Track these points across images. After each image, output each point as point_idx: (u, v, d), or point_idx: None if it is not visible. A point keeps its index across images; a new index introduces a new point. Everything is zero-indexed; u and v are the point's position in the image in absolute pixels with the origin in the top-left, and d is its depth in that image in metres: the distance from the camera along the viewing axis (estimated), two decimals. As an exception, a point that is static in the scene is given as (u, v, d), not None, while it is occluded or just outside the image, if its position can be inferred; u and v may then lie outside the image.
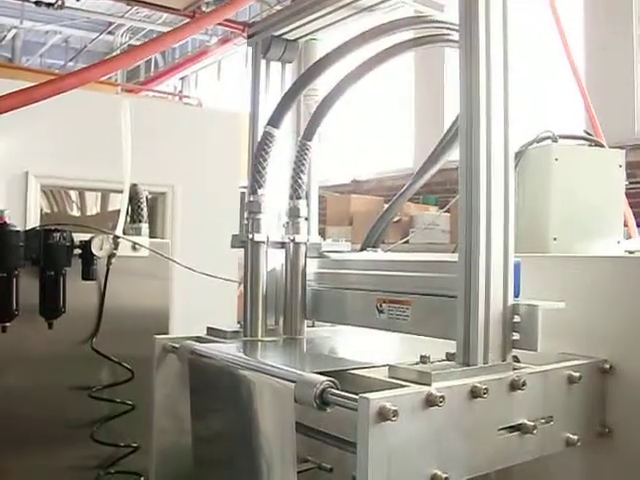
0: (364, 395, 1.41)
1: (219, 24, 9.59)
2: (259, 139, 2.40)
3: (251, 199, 2.35)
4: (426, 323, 1.96)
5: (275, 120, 2.39)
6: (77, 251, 2.85)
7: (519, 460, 1.70)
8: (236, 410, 1.92)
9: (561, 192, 2.33)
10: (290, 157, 2.57)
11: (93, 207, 5.65)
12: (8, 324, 2.71)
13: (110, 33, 15.97)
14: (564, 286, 1.92)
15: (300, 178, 2.34)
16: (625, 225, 3.32)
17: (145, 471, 2.42)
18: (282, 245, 2.37)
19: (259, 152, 2.37)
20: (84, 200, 5.60)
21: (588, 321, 1.88)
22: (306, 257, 2.36)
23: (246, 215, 2.35)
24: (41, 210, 4.77)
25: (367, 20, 2.37)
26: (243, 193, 2.46)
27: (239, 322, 2.44)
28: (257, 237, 2.31)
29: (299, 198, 2.35)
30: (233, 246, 2.38)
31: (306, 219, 2.38)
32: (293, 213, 2.35)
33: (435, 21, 2.31)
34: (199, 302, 3.96)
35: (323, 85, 2.47)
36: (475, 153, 1.71)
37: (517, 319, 1.73)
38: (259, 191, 2.34)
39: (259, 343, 2.27)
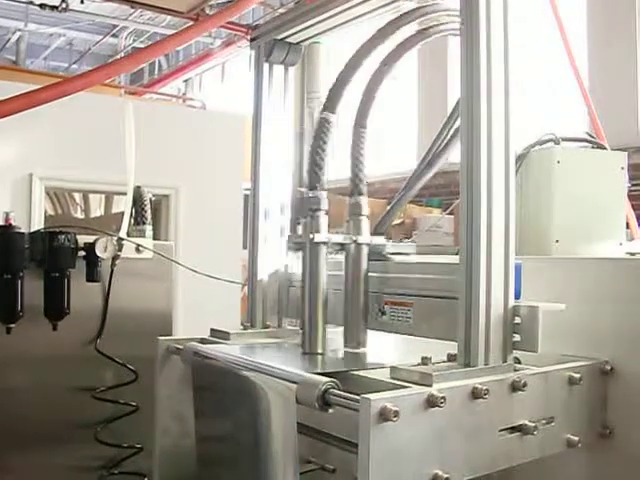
0: (365, 396, 1.42)
1: (222, 27, 9.63)
2: (315, 128, 2.20)
3: (310, 195, 2.11)
4: (428, 324, 1.97)
5: (331, 105, 2.19)
6: (81, 253, 2.87)
7: (520, 461, 1.71)
8: (239, 411, 1.93)
9: (563, 194, 2.33)
10: (294, 158, 2.58)
11: (97, 209, 5.67)
12: (13, 325, 2.73)
13: (114, 36, 16.01)
14: (565, 288, 1.92)
15: (361, 171, 2.13)
16: (627, 227, 3.34)
17: (149, 472, 2.43)
18: (342, 247, 2.13)
19: (317, 142, 2.15)
20: (88, 202, 5.63)
21: (589, 323, 1.89)
22: (369, 260, 2.13)
23: (304, 213, 2.12)
24: (45, 212, 4.79)
25: (371, 23, 2.38)
26: (246, 195, 2.44)
27: (242, 324, 2.45)
28: (318, 237, 2.07)
29: (360, 194, 2.14)
30: (289, 248, 2.22)
31: (368, 217, 2.15)
32: (354, 210, 2.13)
33: (441, 10, 2.23)
34: (202, 304, 3.98)
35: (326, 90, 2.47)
36: (476, 156, 1.72)
37: (518, 320, 1.74)
38: (318, 185, 2.12)
39: (260, 345, 2.28)
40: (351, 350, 2.09)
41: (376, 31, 2.21)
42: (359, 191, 2.13)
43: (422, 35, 2.23)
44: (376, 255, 2.18)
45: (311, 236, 2.06)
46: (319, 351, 2.06)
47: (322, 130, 2.15)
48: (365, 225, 2.12)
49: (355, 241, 2.10)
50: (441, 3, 2.17)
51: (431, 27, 2.20)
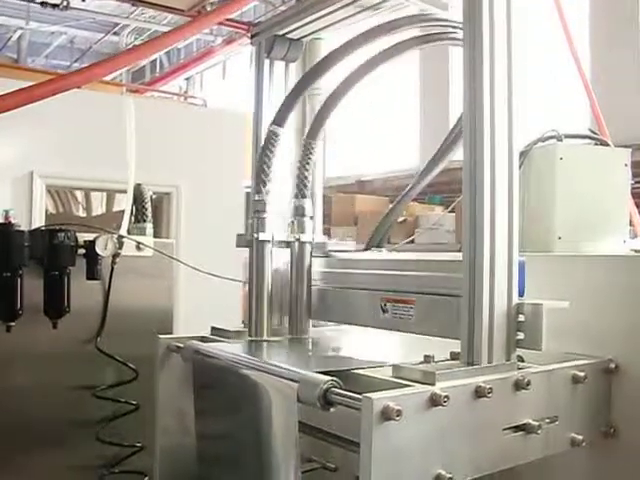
0: (367, 395, 1.40)
1: (223, 24, 9.59)
2: (264, 138, 2.40)
3: (256, 198, 2.34)
4: (430, 322, 1.95)
5: (279, 119, 2.38)
6: (81, 251, 2.85)
7: (523, 460, 1.69)
8: (240, 410, 1.92)
9: (566, 191, 2.31)
10: (296, 156, 2.57)
11: (98, 207, 5.66)
12: (12, 324, 2.72)
13: (115, 34, 16.00)
14: (569, 285, 1.91)
15: (305, 177, 2.33)
16: (630, 224, 3.32)
17: (149, 470, 2.42)
18: (287, 244, 2.36)
19: (264, 151, 2.37)
20: (89, 200, 5.62)
21: (593, 320, 1.87)
22: (311, 256, 2.36)
23: (251, 214, 2.34)
24: (46, 210, 4.79)
25: (371, 19, 2.37)
26: (248, 193, 2.45)
27: (243, 322, 2.44)
28: (262, 236, 2.30)
29: (304, 197, 2.34)
30: (238, 245, 2.38)
31: (311, 218, 2.37)
32: (298, 212, 2.34)
33: (439, 19, 2.30)
34: (203, 302, 3.97)
35: (328, 84, 2.46)
36: (479, 152, 1.70)
37: (521, 318, 1.72)
38: (264, 190, 2.34)
39: (264, 343, 2.27)
40: (295, 337, 2.32)
41: (364, 32, 2.29)
42: (303, 194, 2.33)
43: (417, 41, 2.30)
44: (320, 252, 2.42)
45: (256, 235, 2.29)
46: (264, 337, 2.29)
47: (270, 142, 2.36)
48: (308, 225, 2.34)
49: (299, 239, 2.33)
50: (440, 13, 2.28)
51: (428, 35, 2.29)
